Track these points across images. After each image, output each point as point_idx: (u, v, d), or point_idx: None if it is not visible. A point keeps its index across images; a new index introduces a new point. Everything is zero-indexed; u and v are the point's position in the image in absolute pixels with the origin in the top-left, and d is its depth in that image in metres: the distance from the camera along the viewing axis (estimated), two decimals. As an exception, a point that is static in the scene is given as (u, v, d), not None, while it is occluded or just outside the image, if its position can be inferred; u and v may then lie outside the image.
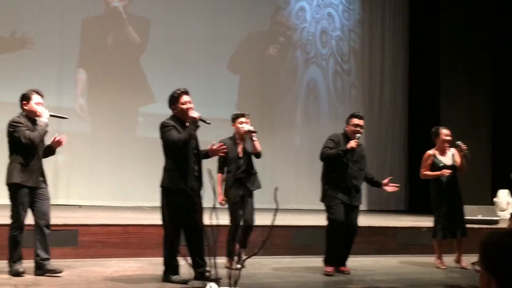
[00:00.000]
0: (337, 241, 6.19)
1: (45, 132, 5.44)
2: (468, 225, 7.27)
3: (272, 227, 2.94)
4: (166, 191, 5.33)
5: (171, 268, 5.32)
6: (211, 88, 11.45)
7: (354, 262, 6.79)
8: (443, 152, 7.08)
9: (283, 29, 12.93)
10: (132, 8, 11.20)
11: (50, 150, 5.65)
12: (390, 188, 6.44)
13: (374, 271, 6.71)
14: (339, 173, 6.21)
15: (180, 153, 5.35)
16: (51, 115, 5.54)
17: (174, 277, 5.30)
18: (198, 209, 5.33)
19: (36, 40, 10.39)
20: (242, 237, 6.31)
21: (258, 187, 6.51)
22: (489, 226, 8.72)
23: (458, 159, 7.04)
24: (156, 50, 11.25)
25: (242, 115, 6.43)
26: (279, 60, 12.73)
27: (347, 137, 6.33)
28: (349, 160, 6.23)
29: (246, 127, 6.33)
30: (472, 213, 8.78)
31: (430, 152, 7.09)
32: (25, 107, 5.52)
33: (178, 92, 5.50)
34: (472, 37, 12.13)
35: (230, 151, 6.28)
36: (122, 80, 10.90)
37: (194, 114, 5.37)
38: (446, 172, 6.85)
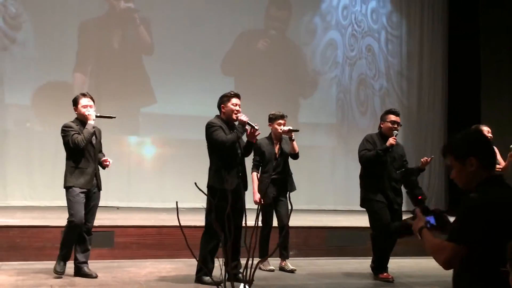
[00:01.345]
0: (387, 246, 6.05)
1: (90, 134, 5.48)
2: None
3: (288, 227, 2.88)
4: (212, 191, 5.29)
5: (205, 269, 5.31)
6: (214, 87, 11.15)
7: (392, 263, 6.67)
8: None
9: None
10: (134, 10, 10.91)
11: (100, 164, 5.74)
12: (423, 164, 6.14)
13: (412, 273, 6.59)
14: (378, 175, 6.02)
15: (226, 154, 5.42)
16: (97, 116, 5.61)
17: (206, 278, 5.30)
18: (240, 210, 5.29)
19: (34, 41, 10.28)
20: (281, 243, 6.24)
21: (294, 189, 6.47)
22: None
23: (501, 160, 6.85)
24: (158, 51, 10.95)
25: (282, 117, 6.41)
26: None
27: (382, 136, 6.13)
28: (387, 160, 6.03)
29: (286, 127, 6.32)
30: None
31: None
32: (76, 112, 5.64)
33: (232, 93, 5.60)
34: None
35: (267, 151, 6.29)
36: (123, 81, 10.67)
37: (243, 117, 5.46)
38: (497, 167, 6.67)
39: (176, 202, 3.50)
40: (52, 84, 10.22)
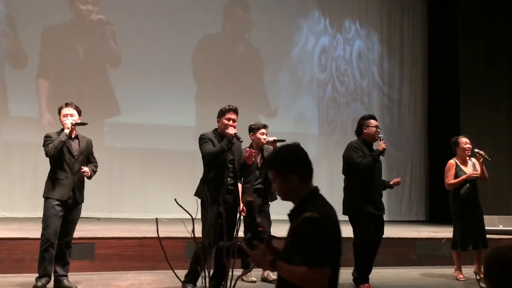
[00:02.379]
0: (369, 257, 6.10)
1: (60, 143, 5.35)
2: (489, 236, 7.15)
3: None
4: (200, 202, 5.33)
5: (190, 276, 5.31)
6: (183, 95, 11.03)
7: (372, 273, 6.70)
8: (464, 162, 7.00)
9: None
10: (99, 18, 10.85)
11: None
12: (392, 184, 6.27)
13: (392, 283, 6.63)
14: (368, 182, 6.04)
15: (213, 166, 5.46)
16: (72, 125, 5.48)
17: (188, 285, 5.29)
18: (229, 222, 5.26)
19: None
20: None
21: (275, 198, 6.48)
22: (510, 237, 8.58)
23: (479, 168, 6.94)
24: (123, 59, 10.87)
25: (264, 126, 6.41)
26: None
27: (365, 142, 6.15)
28: (376, 166, 6.08)
29: (270, 137, 6.29)
30: (493, 223, 8.65)
31: (452, 161, 7.01)
32: (60, 121, 5.57)
33: (227, 108, 5.63)
34: (492, 52, 11.97)
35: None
36: (87, 89, 10.50)
37: (230, 131, 5.50)
38: (474, 173, 6.77)
39: (156, 219, 3.50)
40: (22, 92, 10.12)
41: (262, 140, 6.31)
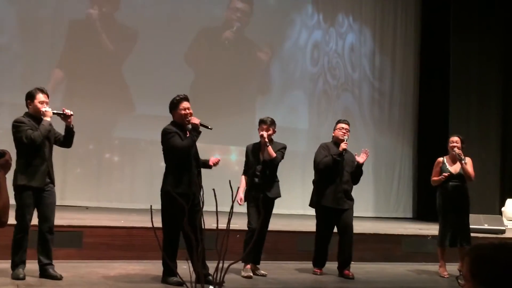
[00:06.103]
0: (323, 246, 6.54)
1: (47, 130, 5.29)
2: (474, 234, 7.22)
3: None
4: (167, 195, 5.36)
5: (169, 270, 5.33)
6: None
7: (359, 269, 6.78)
8: (453, 160, 7.04)
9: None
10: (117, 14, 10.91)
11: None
12: (360, 158, 6.58)
13: (377, 279, 6.69)
14: (331, 179, 6.47)
15: (182, 159, 5.43)
16: (54, 113, 5.40)
17: (170, 279, 5.34)
18: (198, 213, 5.31)
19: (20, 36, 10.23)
20: (253, 247, 6.24)
21: (277, 195, 6.45)
22: (495, 236, 8.67)
23: (469, 168, 6.97)
24: (139, 58, 10.87)
25: (262, 122, 6.38)
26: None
27: (335, 143, 6.62)
28: (340, 164, 6.47)
29: (264, 134, 6.26)
30: (478, 222, 8.73)
31: (440, 158, 7.12)
32: (30, 106, 5.42)
33: (178, 98, 5.56)
34: (483, 51, 12.05)
35: (251, 155, 6.35)
36: (99, 84, 10.52)
37: (195, 120, 5.45)
38: (444, 175, 6.85)
39: (151, 206, 3.51)
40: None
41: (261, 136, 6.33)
